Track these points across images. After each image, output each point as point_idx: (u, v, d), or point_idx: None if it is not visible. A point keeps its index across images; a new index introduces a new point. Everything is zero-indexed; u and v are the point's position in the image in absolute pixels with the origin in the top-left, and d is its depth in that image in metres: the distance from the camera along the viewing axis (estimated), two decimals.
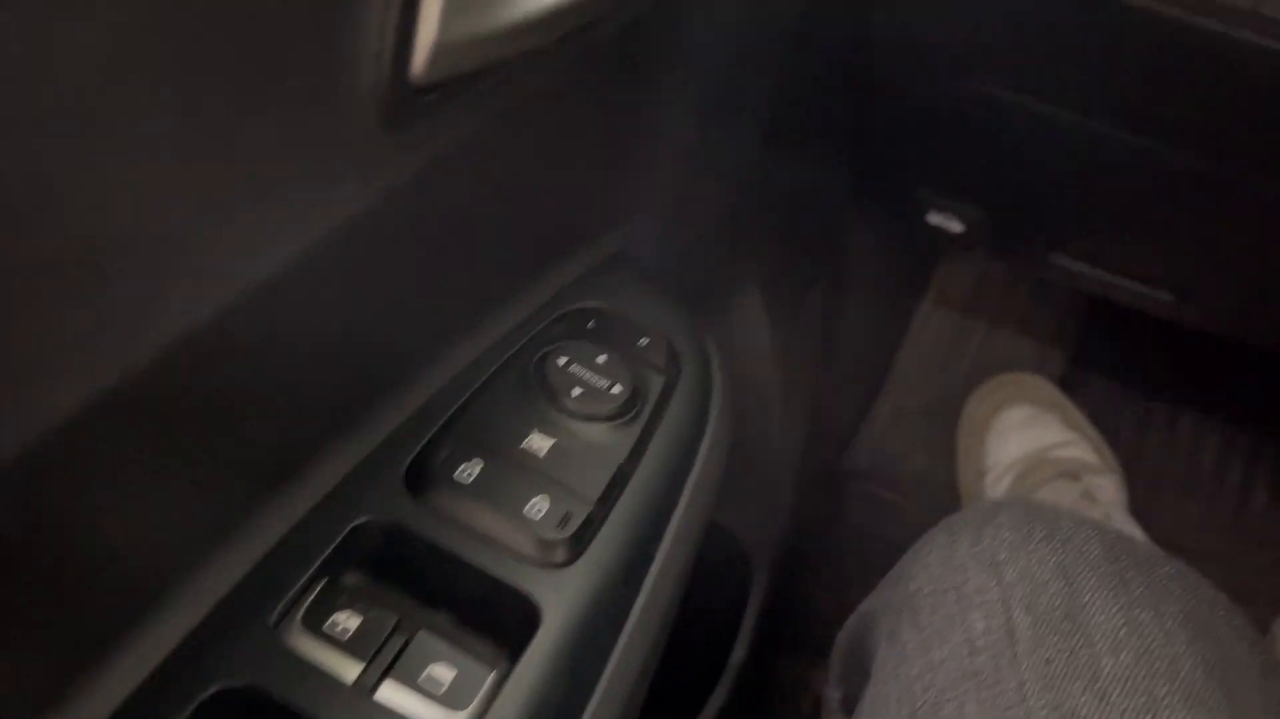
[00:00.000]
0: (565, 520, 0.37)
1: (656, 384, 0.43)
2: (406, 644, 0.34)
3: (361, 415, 0.37)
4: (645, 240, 0.49)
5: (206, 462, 0.30)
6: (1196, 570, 0.48)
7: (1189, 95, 0.57)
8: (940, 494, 1.10)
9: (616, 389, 0.41)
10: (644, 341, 0.44)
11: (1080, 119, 0.64)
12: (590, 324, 0.44)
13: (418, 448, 0.38)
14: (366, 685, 0.33)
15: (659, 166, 0.50)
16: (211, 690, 0.31)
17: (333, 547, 0.35)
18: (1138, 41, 0.55)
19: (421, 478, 0.37)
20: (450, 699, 0.33)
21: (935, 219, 0.83)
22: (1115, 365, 1.18)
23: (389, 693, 0.33)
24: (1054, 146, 0.68)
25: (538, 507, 0.37)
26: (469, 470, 0.37)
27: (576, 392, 0.40)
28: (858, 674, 0.53)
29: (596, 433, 0.40)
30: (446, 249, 0.37)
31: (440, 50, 0.28)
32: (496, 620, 0.35)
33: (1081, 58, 0.60)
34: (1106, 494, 1.03)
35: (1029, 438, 1.09)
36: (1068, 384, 1.16)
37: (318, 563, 0.34)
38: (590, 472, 0.39)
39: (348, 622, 0.33)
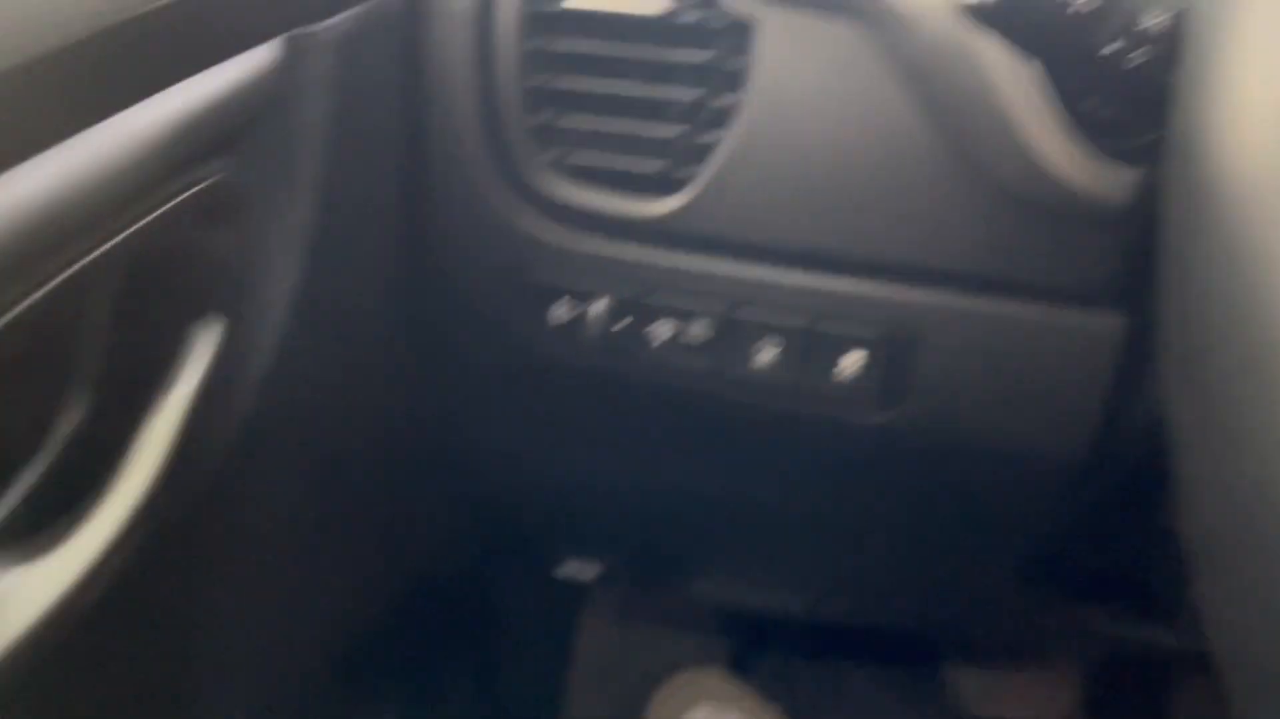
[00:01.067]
0: None
1: None
2: None
3: None
4: None
5: None
6: None
7: (781, 462, 0.59)
8: None
9: None
10: None
11: (700, 485, 0.64)
12: None
13: None
14: None
15: None
16: None
17: None
18: (717, 420, 0.56)
19: None
20: None
21: (568, 570, 0.80)
22: (777, 639, 1.19)
23: None
24: (680, 503, 0.68)
25: None
26: None
27: None
28: None
29: None
30: None
31: None
32: None
33: (685, 442, 0.60)
34: None
35: None
36: (740, 667, 1.16)
37: None
38: None
39: None
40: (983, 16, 0.41)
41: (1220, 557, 0.23)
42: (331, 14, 0.43)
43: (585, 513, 0.73)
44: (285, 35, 0.41)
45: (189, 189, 0.34)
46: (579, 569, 0.79)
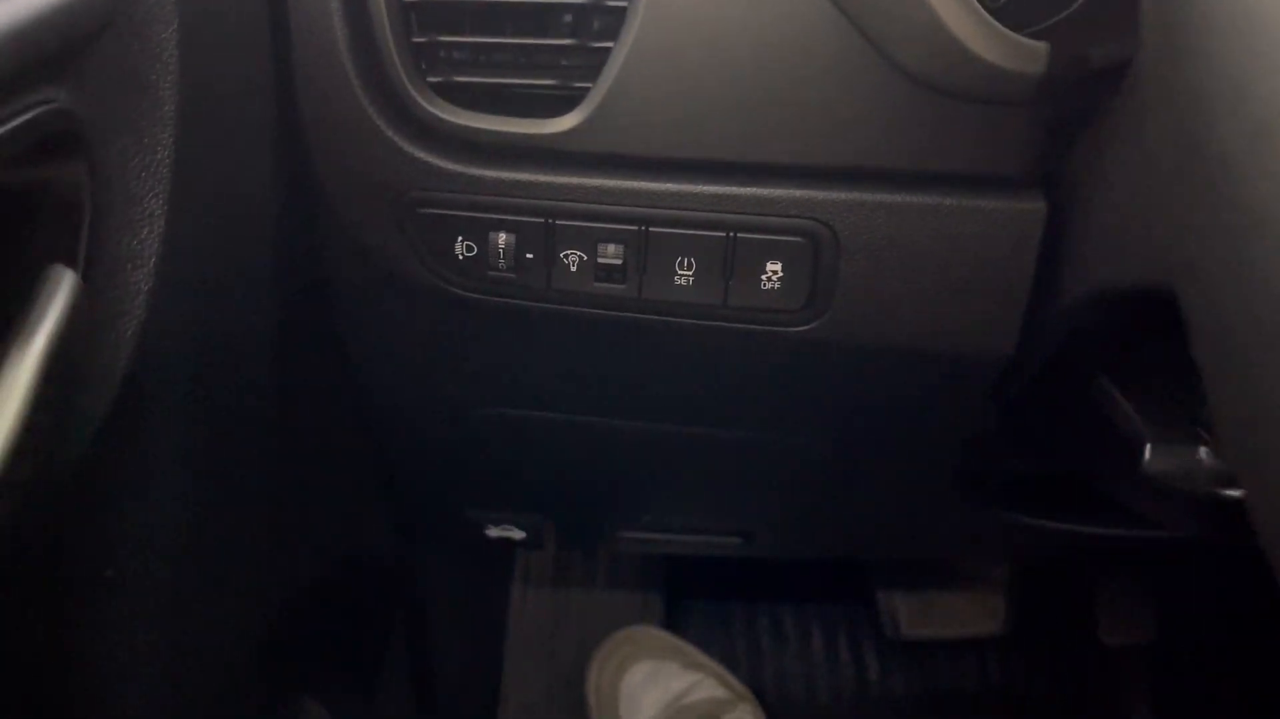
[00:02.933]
0: None
1: None
2: None
3: None
4: None
5: None
6: None
7: (708, 382, 0.57)
8: None
9: None
10: None
11: (613, 422, 0.62)
12: None
13: None
14: None
15: None
16: None
17: None
18: (638, 346, 0.53)
19: None
20: None
21: (494, 532, 0.77)
22: (709, 586, 1.19)
23: None
24: (596, 447, 0.65)
25: None
26: None
27: None
28: None
29: None
30: None
31: None
32: None
33: (606, 376, 0.57)
34: None
35: (656, 694, 1.06)
36: (674, 619, 1.15)
37: None
38: None
39: None
40: None
41: (1239, 367, 0.22)
42: None
43: (504, 468, 0.70)
44: None
45: (14, 118, 0.30)
46: (507, 532, 0.76)
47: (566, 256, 0.49)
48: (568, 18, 0.46)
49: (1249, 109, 0.21)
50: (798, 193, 0.46)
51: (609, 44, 0.45)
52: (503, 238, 0.49)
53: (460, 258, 0.49)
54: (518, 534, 0.77)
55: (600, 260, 0.48)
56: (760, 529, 0.78)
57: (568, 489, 0.73)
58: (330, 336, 0.58)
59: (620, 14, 0.45)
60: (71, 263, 0.33)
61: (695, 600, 1.18)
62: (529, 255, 0.49)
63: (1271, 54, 0.20)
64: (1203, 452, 0.45)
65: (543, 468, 0.70)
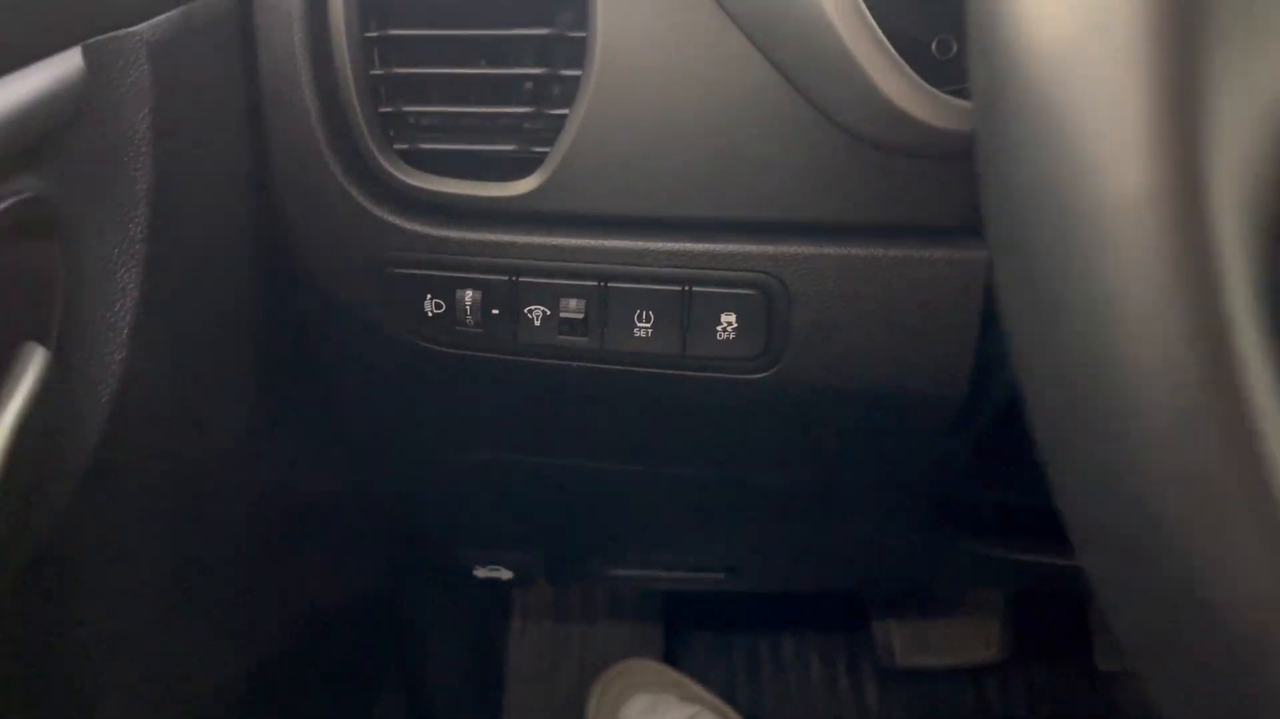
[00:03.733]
0: None
1: None
2: None
3: None
4: None
5: None
6: None
7: (674, 426, 0.59)
8: None
9: None
10: None
11: (588, 464, 0.64)
12: None
13: None
14: None
15: None
16: None
17: None
18: (603, 394, 0.55)
19: None
20: None
21: (482, 573, 0.79)
22: (708, 617, 1.20)
23: None
24: (574, 489, 0.67)
25: None
26: None
27: None
28: None
29: None
30: None
31: None
32: None
33: (577, 421, 0.59)
34: None
35: None
36: (673, 650, 1.16)
37: None
38: None
39: None
40: None
41: (1062, 435, 0.23)
42: (148, 16, 0.41)
43: (490, 510, 0.72)
44: (95, 40, 0.39)
45: None
46: (495, 571, 0.78)
47: (531, 312, 0.51)
48: (528, 85, 0.49)
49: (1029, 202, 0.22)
50: (749, 247, 0.48)
51: (565, 111, 0.48)
52: (469, 295, 0.51)
53: (430, 314, 0.52)
54: (505, 574, 0.78)
55: (563, 315, 0.50)
56: (744, 563, 0.79)
57: (552, 529, 0.75)
58: (313, 386, 0.60)
59: (575, 82, 0.47)
60: (44, 338, 0.35)
61: (694, 631, 1.19)
62: (495, 311, 0.51)
63: (1049, 146, 0.21)
64: None
65: (525, 509, 0.72)
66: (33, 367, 0.33)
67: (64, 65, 0.37)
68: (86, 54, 0.38)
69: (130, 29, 0.39)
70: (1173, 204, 0.19)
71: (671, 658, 1.14)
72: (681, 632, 1.18)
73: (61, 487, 0.37)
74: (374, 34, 0.48)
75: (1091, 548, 0.24)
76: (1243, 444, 0.19)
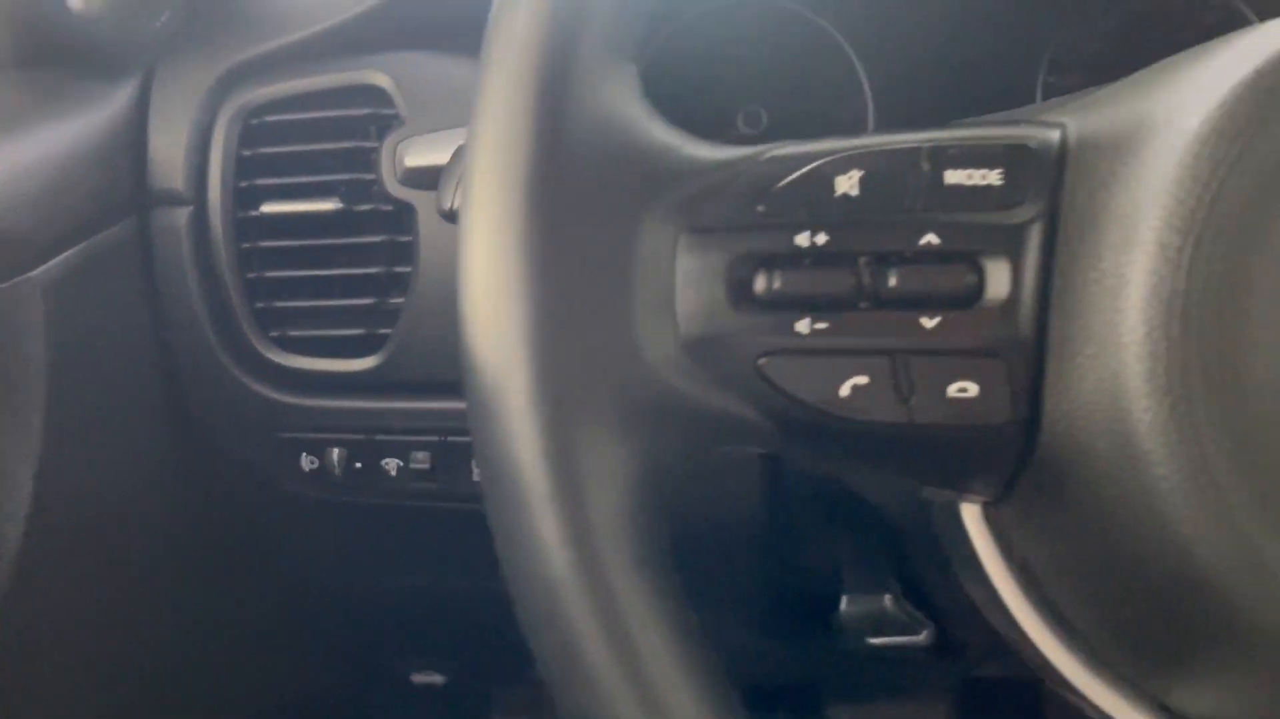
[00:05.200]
0: None
1: None
2: None
3: None
4: None
5: None
6: None
7: None
8: None
9: None
10: None
11: (477, 583, 0.72)
12: None
13: None
14: None
15: None
16: None
17: None
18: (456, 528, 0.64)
19: None
20: None
21: (419, 679, 0.87)
22: None
23: None
24: (465, 607, 0.76)
25: None
26: None
27: None
28: None
29: None
30: None
31: None
32: None
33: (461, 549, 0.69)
34: None
35: None
36: None
37: None
38: None
39: None
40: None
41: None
42: (44, 260, 0.52)
43: (406, 621, 0.80)
44: None
45: None
46: (427, 678, 0.86)
47: (386, 464, 0.61)
48: (375, 282, 0.60)
49: None
50: None
51: (401, 299, 0.58)
52: (336, 452, 0.61)
53: (306, 470, 0.62)
54: (439, 679, 0.87)
55: (413, 466, 0.60)
56: None
57: (475, 639, 0.83)
58: (237, 524, 0.70)
59: (408, 278, 0.58)
60: None
61: None
62: (358, 464, 0.61)
63: None
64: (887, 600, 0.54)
65: (448, 621, 0.81)
66: None
67: None
68: None
69: (28, 274, 0.51)
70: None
71: None
72: None
73: None
74: (246, 245, 0.60)
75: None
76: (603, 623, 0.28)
